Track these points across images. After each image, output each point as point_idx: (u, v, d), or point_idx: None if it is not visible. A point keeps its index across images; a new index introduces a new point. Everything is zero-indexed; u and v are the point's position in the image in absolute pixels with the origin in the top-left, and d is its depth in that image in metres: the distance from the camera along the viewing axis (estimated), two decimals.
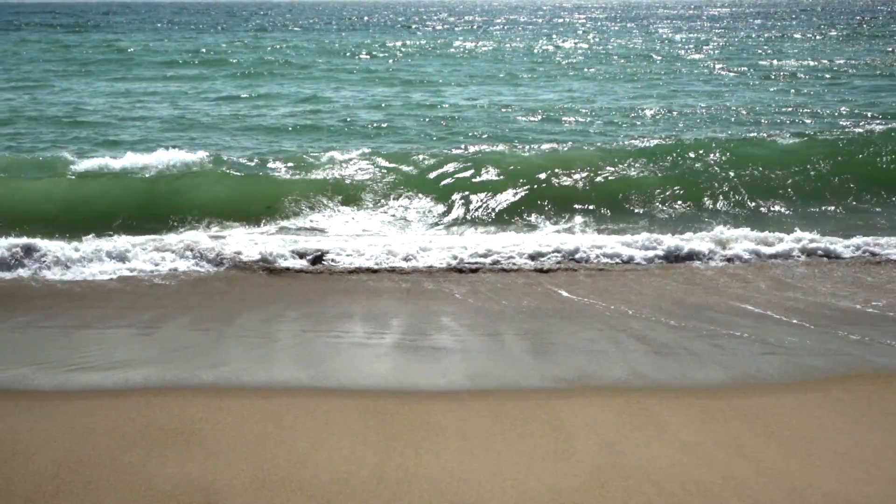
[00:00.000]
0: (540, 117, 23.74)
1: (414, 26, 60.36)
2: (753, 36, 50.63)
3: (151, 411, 6.53)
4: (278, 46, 42.25)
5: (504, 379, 7.33)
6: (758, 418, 6.53)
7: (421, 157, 16.76)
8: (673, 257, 11.37)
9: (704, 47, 45.28)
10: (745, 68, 36.09)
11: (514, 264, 11.02)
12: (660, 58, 39.20)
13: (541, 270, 10.80)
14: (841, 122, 21.98)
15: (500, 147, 18.09)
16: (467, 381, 7.26)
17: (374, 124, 22.40)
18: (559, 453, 5.94)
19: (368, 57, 39.79)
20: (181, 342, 8.15)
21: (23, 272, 10.47)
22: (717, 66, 36.71)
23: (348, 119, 23.32)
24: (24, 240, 11.07)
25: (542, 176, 15.64)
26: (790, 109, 24.47)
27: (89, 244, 11.24)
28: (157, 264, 10.75)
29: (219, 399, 6.78)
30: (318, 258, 11.04)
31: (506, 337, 8.33)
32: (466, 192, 14.92)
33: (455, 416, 6.52)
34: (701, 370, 7.53)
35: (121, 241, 11.35)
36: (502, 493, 5.43)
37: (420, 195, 14.88)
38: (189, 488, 5.45)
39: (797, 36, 50.88)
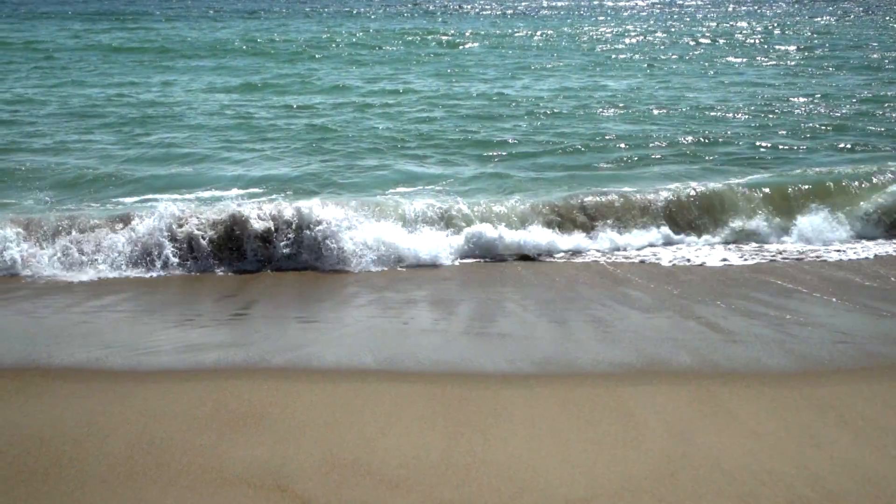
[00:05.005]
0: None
1: (470, 9, 58.67)
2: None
3: (222, 394, 6.62)
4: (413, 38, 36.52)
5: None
6: (831, 407, 6.40)
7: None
8: None
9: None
10: None
11: None
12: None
13: None
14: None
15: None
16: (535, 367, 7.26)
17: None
18: (628, 441, 5.89)
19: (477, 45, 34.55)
20: (251, 327, 8.25)
21: None
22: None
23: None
24: None
25: None
26: None
27: None
28: None
29: (288, 383, 6.85)
30: None
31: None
32: None
33: (523, 403, 6.52)
34: (771, 358, 7.41)
35: None
36: (571, 480, 5.41)
37: None
38: (260, 471, 5.52)
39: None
